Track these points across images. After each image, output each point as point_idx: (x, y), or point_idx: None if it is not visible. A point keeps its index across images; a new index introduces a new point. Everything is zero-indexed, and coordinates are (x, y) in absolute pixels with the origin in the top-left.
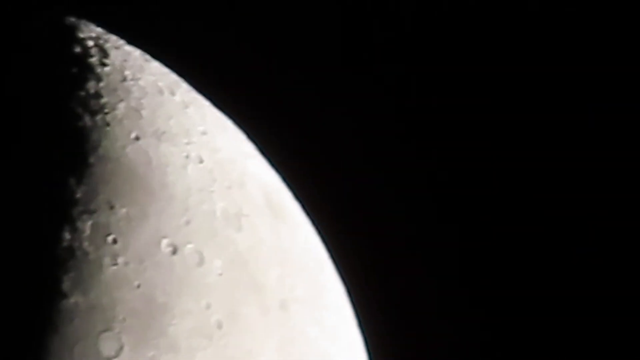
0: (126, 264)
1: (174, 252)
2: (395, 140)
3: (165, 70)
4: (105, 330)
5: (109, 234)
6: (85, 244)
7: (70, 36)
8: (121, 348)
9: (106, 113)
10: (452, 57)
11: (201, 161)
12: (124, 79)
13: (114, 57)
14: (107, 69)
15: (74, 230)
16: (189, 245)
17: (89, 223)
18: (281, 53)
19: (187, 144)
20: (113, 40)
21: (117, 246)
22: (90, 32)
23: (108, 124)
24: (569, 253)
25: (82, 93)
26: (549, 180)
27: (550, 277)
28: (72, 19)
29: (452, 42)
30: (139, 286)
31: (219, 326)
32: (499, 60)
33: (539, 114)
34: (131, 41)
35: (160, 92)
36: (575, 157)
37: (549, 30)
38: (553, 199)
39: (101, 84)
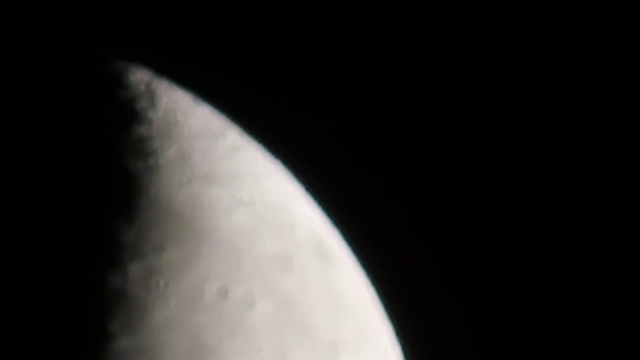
0: (176, 307)
1: (224, 295)
2: (438, 185)
3: (216, 113)
4: None
5: (159, 278)
6: (136, 287)
7: (120, 80)
8: None
9: (157, 157)
10: (459, 58)
11: (252, 204)
12: (175, 123)
13: (165, 100)
14: (157, 113)
15: (124, 273)
16: (239, 288)
17: (139, 266)
18: (329, 98)
19: (238, 187)
20: (163, 84)
21: (167, 290)
22: (141, 75)
23: (158, 168)
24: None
25: (133, 137)
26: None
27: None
28: (123, 62)
29: (466, 41)
30: (189, 329)
31: None
32: (499, 60)
33: (553, 115)
34: (182, 84)
35: (211, 135)
36: (587, 160)
37: (557, 31)
38: (578, 200)
39: (152, 128)
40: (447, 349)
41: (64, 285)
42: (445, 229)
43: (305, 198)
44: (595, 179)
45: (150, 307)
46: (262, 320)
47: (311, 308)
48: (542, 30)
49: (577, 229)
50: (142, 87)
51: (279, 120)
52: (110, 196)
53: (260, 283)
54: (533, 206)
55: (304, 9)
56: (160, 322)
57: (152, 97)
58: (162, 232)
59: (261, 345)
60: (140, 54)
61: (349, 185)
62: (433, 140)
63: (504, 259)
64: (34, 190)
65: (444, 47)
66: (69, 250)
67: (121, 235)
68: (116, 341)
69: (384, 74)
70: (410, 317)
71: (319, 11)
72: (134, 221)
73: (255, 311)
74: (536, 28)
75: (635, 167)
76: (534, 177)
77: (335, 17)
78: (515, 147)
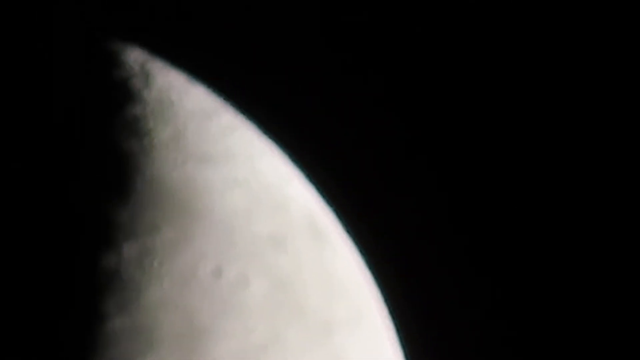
0: (170, 287)
1: (219, 274)
2: (438, 163)
3: (211, 94)
4: (149, 352)
5: (153, 258)
6: (130, 267)
7: (115, 60)
8: None
9: (152, 137)
10: (459, 58)
11: (246, 184)
12: (169, 103)
13: (160, 81)
14: (151, 92)
15: (119, 253)
16: (234, 268)
17: (134, 246)
18: (324, 79)
19: (233, 167)
20: (158, 64)
21: (161, 269)
22: (135, 56)
23: (153, 148)
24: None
25: (127, 117)
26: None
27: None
28: (117, 43)
29: (466, 42)
30: (183, 309)
31: (264, 349)
32: (499, 60)
33: (553, 116)
34: (177, 65)
35: (206, 116)
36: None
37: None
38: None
39: (146, 108)
40: (441, 330)
41: (59, 265)
42: (439, 210)
43: (300, 178)
44: (595, 179)
45: (145, 287)
46: (256, 300)
47: (305, 288)
48: (542, 30)
49: (580, 229)
50: (137, 67)
51: (273, 100)
52: (105, 176)
53: (255, 263)
54: (531, 202)
55: (303, 8)
56: (154, 302)
57: (146, 77)
58: (157, 212)
59: (255, 325)
60: (135, 34)
61: (343, 165)
62: (432, 133)
63: (499, 243)
64: (27, 171)
65: (444, 47)
66: (63, 230)
67: (116, 215)
68: (110, 321)
69: (384, 74)
70: (404, 297)
71: (318, 11)
72: (128, 201)
73: (249, 291)
74: (536, 28)
75: (636, 167)
76: (535, 174)
77: (335, 17)
78: (515, 145)
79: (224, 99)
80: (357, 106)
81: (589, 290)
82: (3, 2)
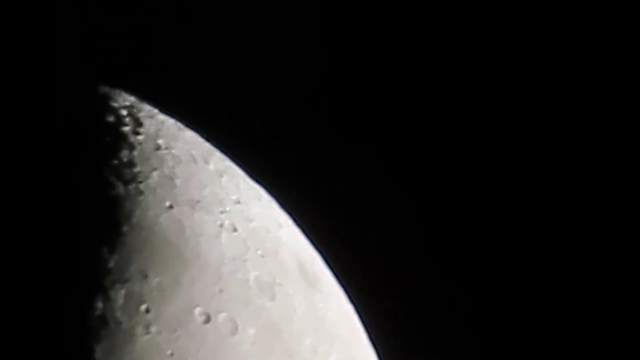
0: (159, 332)
1: (207, 320)
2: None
3: (199, 139)
4: None
5: (142, 303)
6: (118, 313)
7: (104, 105)
8: None
9: (139, 182)
10: (459, 58)
11: (235, 230)
12: (158, 148)
13: (148, 125)
14: (140, 137)
15: (107, 299)
16: (222, 314)
17: (122, 292)
18: (310, 123)
19: (221, 212)
20: (146, 109)
21: (150, 315)
22: (124, 100)
23: (141, 193)
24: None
25: (116, 162)
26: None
27: (556, 279)
28: (106, 88)
29: (466, 42)
30: (171, 355)
31: None
32: (498, 60)
33: (548, 116)
34: (165, 110)
35: (194, 160)
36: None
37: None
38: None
39: (134, 153)
40: None
41: (47, 313)
42: (431, 256)
43: (289, 223)
44: (594, 179)
45: (133, 333)
46: (245, 346)
47: (295, 334)
48: (542, 30)
49: (572, 232)
50: (126, 112)
51: (262, 145)
52: (93, 221)
53: (244, 309)
54: (524, 211)
55: (304, 8)
56: (143, 348)
57: (136, 122)
58: (145, 258)
59: None
60: (125, 79)
61: (333, 211)
62: (425, 137)
63: (495, 283)
64: (17, 215)
65: (444, 47)
66: (51, 276)
67: (104, 261)
68: None
69: (384, 73)
70: (395, 343)
71: (319, 11)
72: (116, 247)
73: (238, 337)
74: (536, 28)
75: (636, 167)
76: (532, 177)
77: (336, 17)
78: (513, 149)
79: (213, 144)
80: (348, 148)
81: (578, 293)
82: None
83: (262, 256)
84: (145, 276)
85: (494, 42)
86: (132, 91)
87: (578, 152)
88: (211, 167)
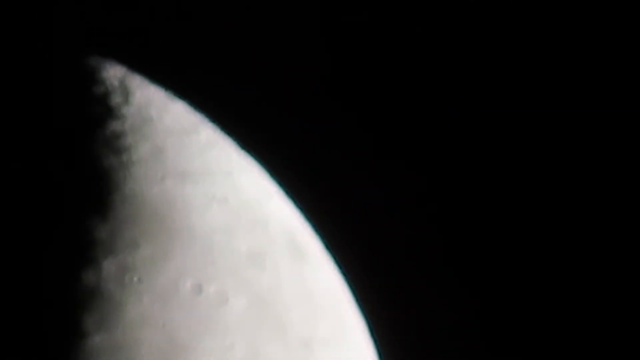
0: (150, 303)
1: (198, 291)
2: (423, 181)
3: (190, 110)
4: None
5: (133, 274)
6: (109, 283)
7: (93, 76)
8: None
9: (130, 153)
10: (459, 58)
11: (225, 201)
12: (148, 119)
13: (139, 96)
14: (131, 108)
15: (98, 270)
16: (213, 285)
17: (113, 263)
18: (305, 94)
19: (212, 184)
20: (137, 80)
21: (141, 286)
22: (115, 71)
23: (132, 164)
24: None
25: (106, 133)
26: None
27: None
28: (96, 58)
29: (466, 42)
30: (163, 326)
31: None
32: (498, 60)
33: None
34: (156, 81)
35: (185, 132)
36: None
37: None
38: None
39: (125, 124)
40: (421, 347)
41: (38, 283)
42: (421, 227)
43: (279, 195)
44: (594, 180)
45: (124, 304)
46: (235, 317)
47: (285, 305)
48: (542, 30)
49: (577, 232)
50: (116, 83)
51: (252, 116)
52: (84, 192)
53: (234, 280)
54: (522, 205)
55: (303, 8)
56: (134, 319)
57: (126, 93)
58: (136, 229)
59: (234, 342)
60: (114, 50)
61: (323, 181)
62: (424, 137)
63: (480, 255)
64: (6, 185)
65: (444, 47)
66: (43, 247)
67: (95, 232)
68: (90, 338)
69: (384, 73)
70: (385, 314)
71: (319, 11)
72: (108, 218)
73: (228, 308)
74: (536, 28)
75: (636, 167)
76: (532, 177)
77: (336, 17)
78: (512, 147)
79: (203, 115)
80: (338, 121)
81: (581, 294)
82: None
83: (252, 227)
84: (136, 247)
85: (494, 42)
86: (122, 62)
87: (586, 152)
88: (202, 138)
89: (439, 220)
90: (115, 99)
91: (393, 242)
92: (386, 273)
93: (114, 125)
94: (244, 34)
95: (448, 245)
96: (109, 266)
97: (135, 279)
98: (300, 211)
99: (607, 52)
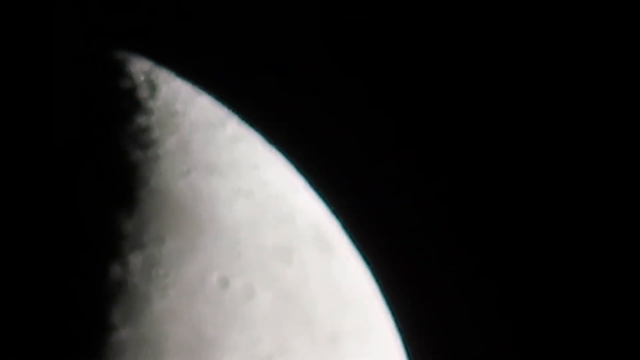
0: (176, 297)
1: (224, 285)
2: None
3: (215, 103)
4: None
5: (159, 268)
6: (136, 277)
7: (120, 70)
8: None
9: (157, 147)
10: (459, 58)
11: (252, 194)
12: (175, 113)
13: (165, 91)
14: (157, 103)
15: (125, 264)
16: (239, 279)
17: (140, 257)
18: (330, 86)
19: (238, 177)
20: (163, 74)
21: (167, 280)
22: (141, 65)
23: (158, 158)
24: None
25: (133, 127)
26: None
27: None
28: (122, 52)
29: (466, 42)
30: (189, 320)
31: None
32: (499, 60)
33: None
34: (182, 74)
35: (211, 125)
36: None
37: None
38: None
39: (151, 118)
40: (448, 341)
41: (65, 277)
42: (446, 220)
43: (306, 188)
44: (595, 180)
45: (151, 298)
46: (262, 311)
47: (311, 299)
48: (542, 30)
49: (581, 230)
50: (142, 77)
51: (278, 110)
52: (110, 186)
53: (261, 274)
54: (532, 202)
55: (304, 8)
56: (160, 313)
57: (152, 87)
58: (163, 223)
59: (261, 336)
60: (140, 43)
61: (349, 175)
62: (433, 135)
63: (505, 253)
64: (34, 181)
65: (444, 47)
66: (69, 241)
67: (121, 225)
68: (116, 332)
69: (383, 74)
70: (411, 308)
71: (319, 11)
72: (134, 211)
73: (255, 302)
74: (536, 28)
75: (636, 167)
76: (535, 174)
77: (336, 17)
78: (515, 145)
79: (229, 108)
80: (365, 114)
81: (591, 291)
82: (8, 9)
83: (278, 221)
84: (163, 241)
85: (494, 42)
86: (148, 56)
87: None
88: (228, 131)
89: (465, 217)
90: (142, 93)
91: (419, 236)
92: (413, 267)
93: (140, 119)
94: (271, 28)
95: (474, 241)
96: (135, 260)
97: (161, 272)
98: (327, 205)
99: (607, 52)
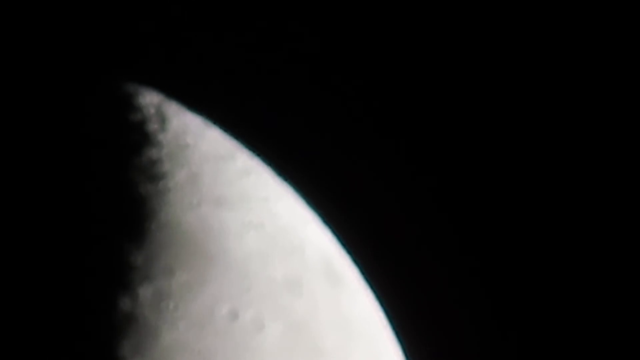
0: (186, 330)
1: (234, 318)
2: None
3: (225, 136)
4: None
5: (169, 300)
6: (145, 310)
7: (131, 103)
8: None
9: (166, 180)
10: (459, 58)
11: (262, 227)
12: (185, 146)
13: (175, 123)
14: (167, 135)
15: (135, 296)
16: (249, 311)
17: (149, 289)
18: (340, 124)
19: (248, 210)
20: (174, 107)
21: (177, 312)
22: (151, 98)
23: (168, 191)
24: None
25: (143, 160)
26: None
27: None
28: (133, 85)
29: (466, 41)
30: (199, 352)
31: None
32: (499, 60)
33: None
34: (192, 108)
35: (221, 158)
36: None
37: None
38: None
39: (162, 151)
40: None
41: (75, 309)
42: (456, 252)
43: (315, 221)
44: (595, 180)
45: (160, 330)
46: (271, 343)
47: (321, 332)
48: (542, 30)
49: (578, 229)
50: (153, 110)
51: (288, 143)
52: (120, 219)
53: (270, 306)
54: (537, 210)
55: (304, 9)
56: (170, 345)
57: (162, 120)
58: (172, 255)
59: None
60: (150, 77)
61: (358, 208)
62: (439, 150)
63: (521, 276)
64: (44, 214)
65: (444, 47)
66: (79, 273)
67: (131, 258)
68: None
69: (383, 74)
70: (422, 342)
71: (319, 12)
72: (143, 244)
73: (265, 334)
74: (536, 28)
75: (636, 167)
76: (538, 177)
77: (336, 16)
78: (516, 148)
79: (240, 141)
80: (375, 147)
81: (590, 291)
82: (17, 40)
83: (288, 253)
84: (172, 273)
85: (494, 42)
86: (158, 89)
87: (579, 156)
88: (238, 164)
89: (477, 247)
90: (152, 126)
91: (429, 269)
92: (423, 301)
93: (150, 152)
94: (280, 63)
95: (486, 272)
96: (144, 292)
97: (171, 305)
98: (336, 238)
99: (607, 52)
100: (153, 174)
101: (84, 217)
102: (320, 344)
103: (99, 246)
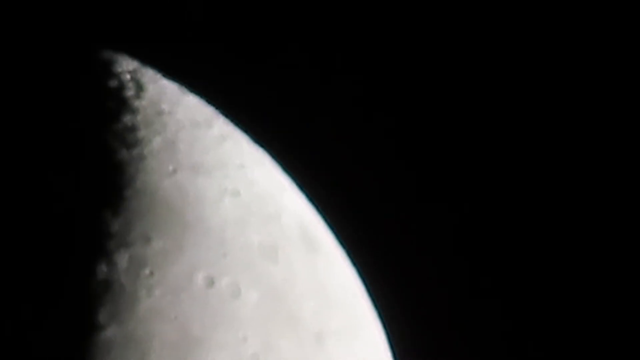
0: (162, 296)
1: (210, 284)
2: (436, 173)
3: (202, 103)
4: None
5: (145, 267)
6: (122, 276)
7: (107, 70)
8: None
9: (142, 146)
10: (459, 58)
11: (238, 194)
12: (161, 113)
13: (151, 90)
14: (143, 102)
15: (111, 263)
16: (225, 278)
17: (126, 256)
18: (316, 91)
19: (224, 177)
20: (150, 74)
21: (153, 279)
22: (127, 65)
23: (144, 158)
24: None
25: (119, 127)
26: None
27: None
28: (109, 52)
29: (466, 41)
30: (175, 319)
31: (256, 358)
32: (498, 60)
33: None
34: (168, 74)
35: (197, 125)
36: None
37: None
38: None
39: (137, 118)
40: (434, 340)
41: (51, 276)
42: (433, 220)
43: (292, 188)
44: (595, 179)
45: (137, 297)
46: (248, 310)
47: (297, 298)
48: (542, 30)
49: (577, 229)
50: (129, 76)
51: (265, 109)
52: (96, 186)
53: (247, 273)
54: (532, 207)
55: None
56: (146, 312)
57: (138, 87)
58: (149, 222)
59: (247, 335)
60: (127, 44)
61: (335, 174)
62: (424, 132)
63: (493, 252)
64: (20, 180)
65: (444, 47)
66: (55, 240)
67: (107, 225)
68: (103, 331)
69: (381, 71)
70: (397, 307)
71: (318, 10)
72: (120, 211)
73: (241, 301)
74: (536, 28)
75: (636, 168)
76: (536, 177)
77: (335, 16)
78: (511, 145)
79: (216, 108)
80: (352, 114)
81: (586, 294)
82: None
83: (265, 220)
84: (149, 240)
85: (494, 42)
86: (135, 56)
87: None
88: (214, 131)
89: (452, 215)
90: (128, 93)
91: (406, 235)
92: (399, 266)
93: (127, 119)
94: (258, 29)
95: (460, 240)
96: (121, 259)
97: (147, 272)
98: (313, 204)
99: (607, 52)
100: (129, 140)
101: (60, 184)
102: (297, 311)
103: (75, 213)
